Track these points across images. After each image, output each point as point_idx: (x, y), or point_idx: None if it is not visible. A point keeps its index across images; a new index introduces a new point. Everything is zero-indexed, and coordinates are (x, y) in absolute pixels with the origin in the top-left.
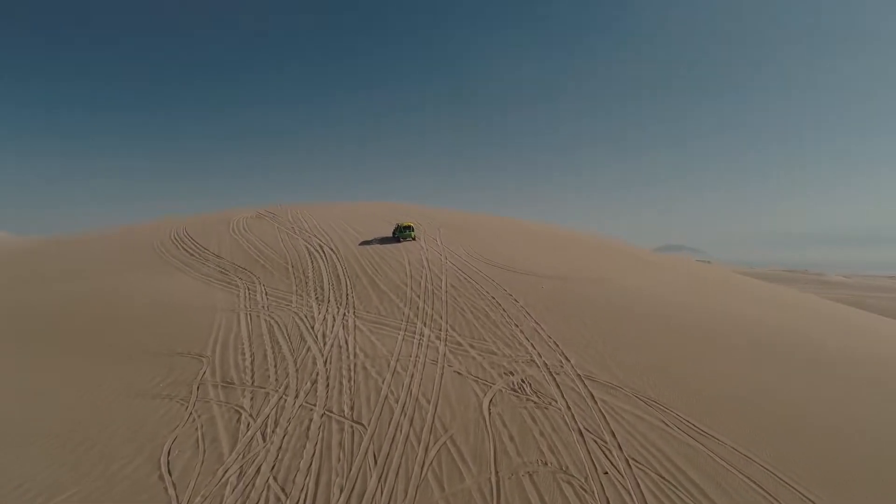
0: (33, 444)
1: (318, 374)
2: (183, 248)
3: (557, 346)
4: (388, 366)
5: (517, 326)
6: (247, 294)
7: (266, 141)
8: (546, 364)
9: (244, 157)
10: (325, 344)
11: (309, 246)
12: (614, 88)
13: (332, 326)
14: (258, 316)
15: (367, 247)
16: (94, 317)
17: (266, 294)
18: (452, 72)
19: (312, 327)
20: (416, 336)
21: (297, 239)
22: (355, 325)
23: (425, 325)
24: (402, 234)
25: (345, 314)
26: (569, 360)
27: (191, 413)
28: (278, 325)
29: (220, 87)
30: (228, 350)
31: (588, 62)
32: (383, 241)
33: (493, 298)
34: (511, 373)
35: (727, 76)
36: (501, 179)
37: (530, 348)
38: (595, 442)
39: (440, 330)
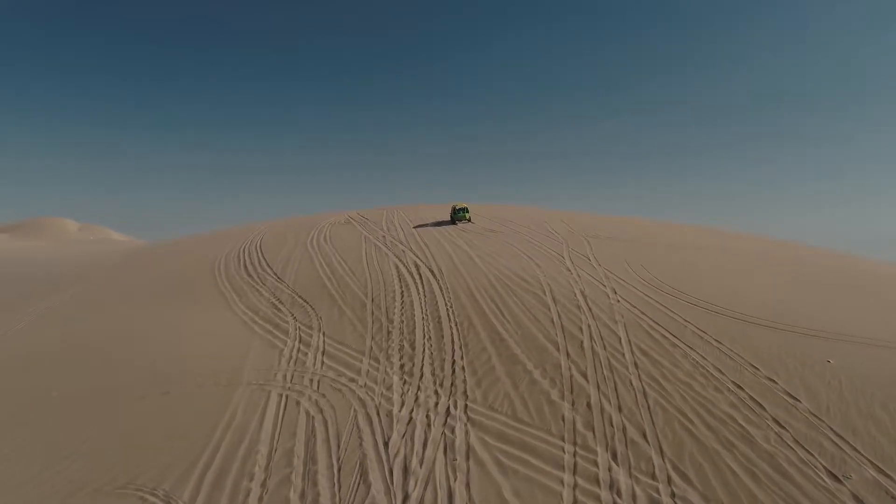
0: None
1: None
2: (244, 266)
3: None
4: None
5: (835, 477)
6: (294, 349)
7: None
8: None
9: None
10: (404, 500)
11: (400, 264)
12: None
13: (424, 446)
14: (298, 402)
15: (477, 260)
16: (64, 394)
17: (322, 352)
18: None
19: (387, 443)
20: (603, 491)
21: (386, 254)
22: (468, 446)
23: (615, 456)
24: (457, 215)
25: (448, 412)
26: None
27: None
28: (327, 427)
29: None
30: (223, 493)
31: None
32: (439, 224)
33: (736, 385)
34: None
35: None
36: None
37: None
38: None
39: (652, 475)
